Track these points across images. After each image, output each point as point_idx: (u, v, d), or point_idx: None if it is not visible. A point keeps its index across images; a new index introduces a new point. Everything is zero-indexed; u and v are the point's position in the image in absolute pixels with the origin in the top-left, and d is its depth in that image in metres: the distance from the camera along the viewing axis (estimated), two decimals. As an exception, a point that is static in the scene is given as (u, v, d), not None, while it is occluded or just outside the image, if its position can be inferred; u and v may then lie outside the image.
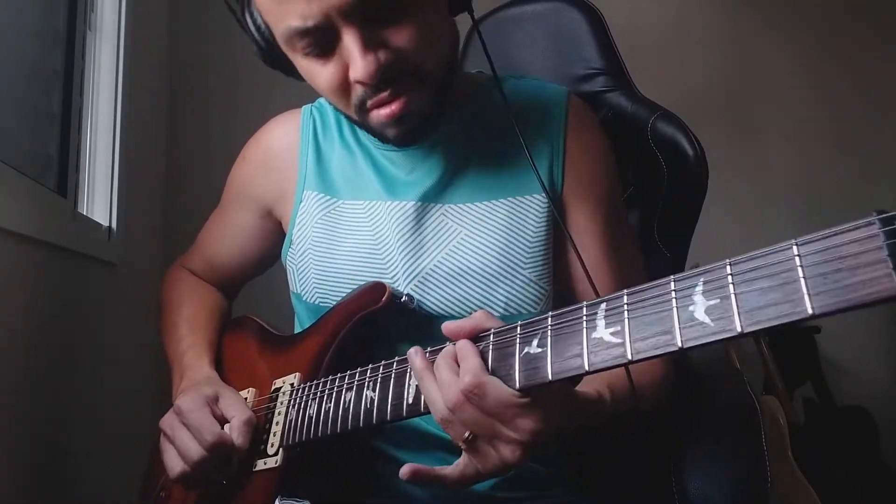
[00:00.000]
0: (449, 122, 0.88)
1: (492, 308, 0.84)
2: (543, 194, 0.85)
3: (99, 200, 1.50)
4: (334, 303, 0.88)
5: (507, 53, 0.92)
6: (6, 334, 1.04)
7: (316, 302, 0.89)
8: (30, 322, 1.13)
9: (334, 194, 0.92)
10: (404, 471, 0.65)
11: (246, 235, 1.02)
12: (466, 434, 0.61)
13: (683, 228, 1.11)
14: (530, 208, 0.86)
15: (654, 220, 1.09)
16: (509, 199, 0.86)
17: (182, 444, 0.78)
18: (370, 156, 0.91)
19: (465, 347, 0.62)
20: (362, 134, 0.91)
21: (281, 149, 0.97)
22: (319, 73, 0.74)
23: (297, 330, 0.98)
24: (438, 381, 0.62)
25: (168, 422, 0.81)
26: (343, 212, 0.91)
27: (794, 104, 2.36)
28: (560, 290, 0.88)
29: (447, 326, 0.65)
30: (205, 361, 0.90)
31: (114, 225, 1.52)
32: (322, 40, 0.71)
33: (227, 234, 1.04)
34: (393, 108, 0.75)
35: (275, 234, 1.00)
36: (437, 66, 0.76)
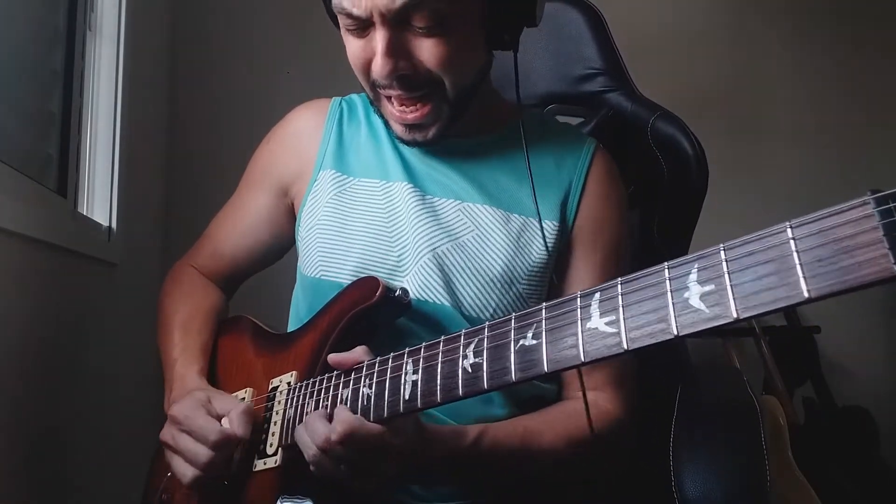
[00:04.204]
0: (485, 134, 0.94)
1: (481, 310, 0.87)
2: (556, 221, 0.90)
3: (99, 200, 1.50)
4: (336, 277, 0.89)
5: (504, 58, 0.92)
6: (6, 334, 1.04)
7: (318, 276, 0.91)
8: (30, 322, 1.13)
9: (350, 173, 0.95)
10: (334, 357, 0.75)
11: (260, 218, 1.02)
12: (342, 469, 0.70)
13: (683, 228, 1.11)
14: (538, 231, 0.89)
15: (654, 220, 1.09)
16: (523, 216, 0.90)
17: (187, 449, 0.78)
18: (395, 144, 0.95)
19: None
20: None
21: (305, 130, 1.00)
22: (351, 45, 0.84)
23: (292, 315, 1.00)
24: (310, 430, 0.71)
25: (168, 433, 0.81)
26: (357, 189, 0.94)
27: (794, 104, 2.36)
28: None
29: (332, 358, 0.76)
30: (194, 370, 0.90)
31: (114, 225, 1.51)
32: (362, 24, 0.80)
33: (240, 219, 1.04)
34: (407, 116, 0.84)
35: (287, 218, 1.01)
36: (456, 86, 0.83)
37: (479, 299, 0.87)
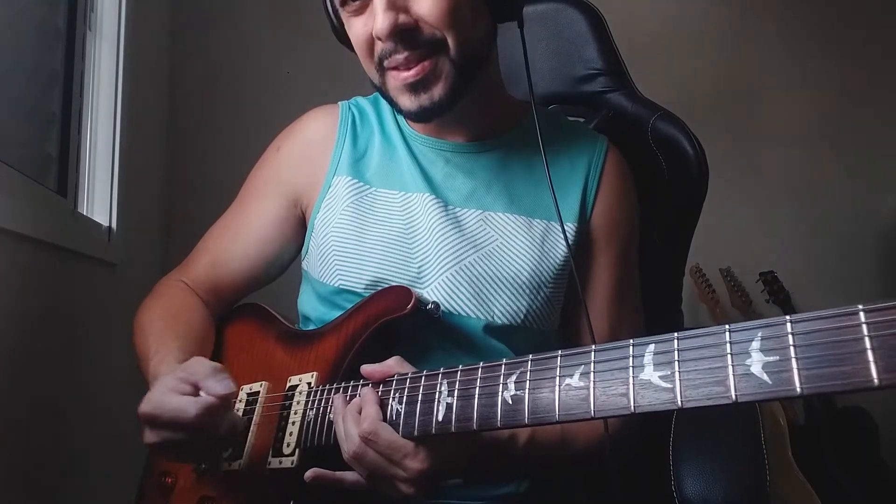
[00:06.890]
0: (498, 134, 0.93)
1: (514, 316, 0.87)
2: (575, 223, 0.90)
3: (99, 200, 1.50)
4: (354, 288, 0.88)
5: (508, 55, 0.93)
6: (5, 334, 1.04)
7: (337, 285, 0.89)
8: (29, 322, 1.13)
9: (368, 182, 0.94)
10: (308, 475, 0.73)
11: (266, 227, 0.97)
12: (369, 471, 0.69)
13: (684, 229, 1.11)
14: (560, 235, 0.89)
15: (654, 221, 1.09)
16: (545, 220, 0.90)
17: (174, 441, 0.71)
18: (411, 151, 0.94)
19: (366, 395, 0.71)
20: (405, 129, 0.95)
21: (318, 138, 0.98)
22: (354, 27, 0.84)
23: (303, 316, 0.98)
24: (344, 428, 0.71)
25: (148, 435, 0.73)
26: (375, 199, 0.92)
27: (794, 105, 2.36)
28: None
29: (364, 369, 0.74)
30: (171, 366, 0.80)
31: (114, 225, 1.51)
32: (363, 2, 0.81)
33: (244, 228, 0.98)
34: (406, 73, 0.81)
35: (296, 229, 0.98)
36: (459, 46, 0.81)
37: (511, 306, 0.86)
